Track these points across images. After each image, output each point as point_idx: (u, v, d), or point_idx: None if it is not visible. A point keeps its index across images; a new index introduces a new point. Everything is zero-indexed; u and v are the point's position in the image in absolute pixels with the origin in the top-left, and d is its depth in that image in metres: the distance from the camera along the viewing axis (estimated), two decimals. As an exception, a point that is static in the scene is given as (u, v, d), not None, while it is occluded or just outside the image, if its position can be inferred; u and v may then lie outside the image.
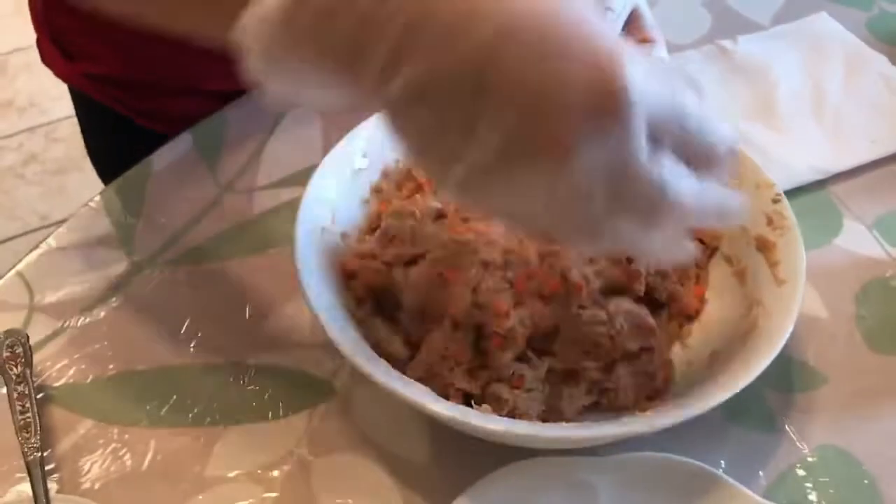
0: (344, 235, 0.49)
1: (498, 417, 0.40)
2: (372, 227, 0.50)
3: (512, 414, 0.43)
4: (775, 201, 0.49)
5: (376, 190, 0.51)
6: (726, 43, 0.67)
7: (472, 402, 0.43)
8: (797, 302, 0.43)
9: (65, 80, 0.71)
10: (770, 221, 0.48)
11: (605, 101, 0.30)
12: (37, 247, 0.55)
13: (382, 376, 0.40)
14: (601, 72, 0.30)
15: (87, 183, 1.64)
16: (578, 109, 0.30)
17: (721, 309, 0.48)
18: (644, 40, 0.54)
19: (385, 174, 0.52)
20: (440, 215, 0.47)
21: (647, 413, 0.42)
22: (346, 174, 0.50)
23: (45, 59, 0.71)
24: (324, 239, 0.47)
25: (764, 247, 0.47)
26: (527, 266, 0.45)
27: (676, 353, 0.47)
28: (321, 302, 0.43)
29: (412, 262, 0.46)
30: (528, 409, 0.43)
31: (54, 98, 1.79)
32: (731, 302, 0.48)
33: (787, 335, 0.42)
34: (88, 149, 0.78)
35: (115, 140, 0.74)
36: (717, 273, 0.49)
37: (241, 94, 0.63)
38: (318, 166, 0.49)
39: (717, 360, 0.44)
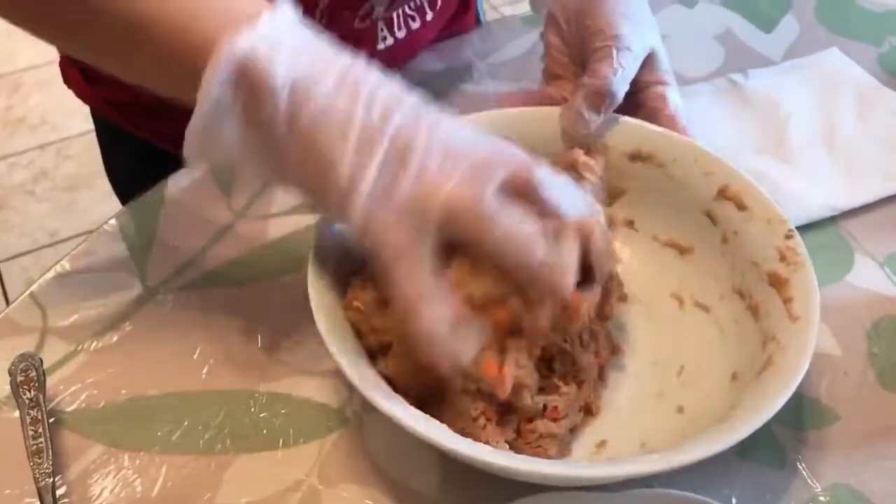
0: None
1: (516, 456, 0.40)
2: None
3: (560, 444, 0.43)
4: (788, 237, 0.49)
5: None
6: (737, 77, 0.67)
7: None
8: (812, 339, 0.43)
9: (86, 102, 0.72)
10: (783, 257, 0.48)
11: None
12: (50, 269, 0.55)
13: (397, 412, 0.40)
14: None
15: (97, 200, 1.67)
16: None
17: (738, 338, 0.48)
18: (657, 83, 0.55)
19: None
20: (382, 302, 0.44)
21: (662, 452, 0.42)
22: None
23: (68, 81, 0.72)
24: (337, 272, 0.47)
25: (777, 282, 0.47)
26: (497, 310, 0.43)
27: (695, 373, 0.47)
28: (334, 336, 0.43)
29: (386, 348, 0.44)
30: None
31: (66, 115, 1.81)
32: (746, 335, 0.48)
33: (803, 373, 0.42)
34: (108, 170, 0.79)
35: (134, 162, 0.74)
36: (731, 307, 0.50)
37: None
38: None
39: (738, 392, 0.45)
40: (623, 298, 0.51)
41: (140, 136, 0.71)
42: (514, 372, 0.42)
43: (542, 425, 0.44)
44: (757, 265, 0.49)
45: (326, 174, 0.40)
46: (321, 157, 0.40)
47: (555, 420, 0.44)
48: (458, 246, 0.41)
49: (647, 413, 0.48)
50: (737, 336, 0.49)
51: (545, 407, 0.44)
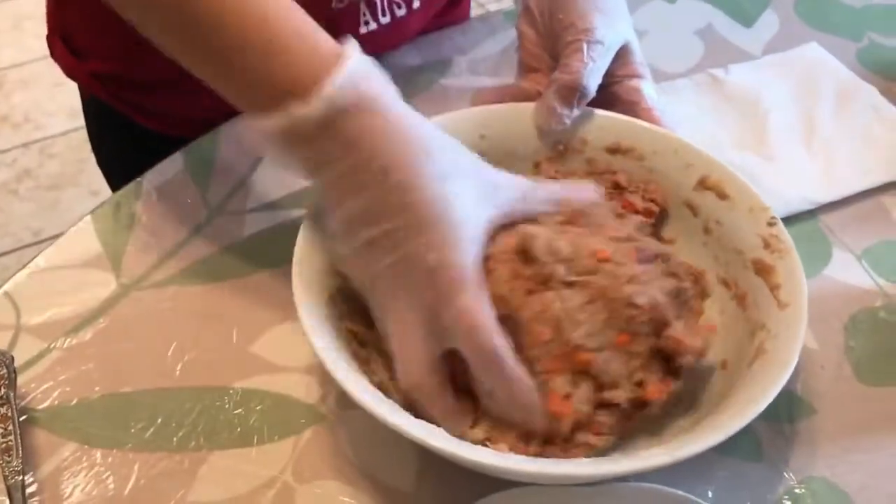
0: None
1: (499, 454, 0.40)
2: None
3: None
4: (770, 224, 0.49)
5: None
6: (717, 72, 0.67)
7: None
8: (802, 326, 0.44)
9: (72, 77, 0.72)
10: (767, 245, 0.48)
11: None
12: (25, 266, 0.55)
13: (377, 407, 0.40)
14: None
15: (81, 199, 1.66)
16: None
17: (725, 328, 0.48)
18: (631, 76, 0.55)
19: None
20: None
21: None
22: None
23: (55, 56, 0.72)
24: (322, 267, 0.47)
25: (763, 270, 0.47)
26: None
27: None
28: (320, 336, 0.42)
29: None
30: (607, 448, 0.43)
31: (49, 114, 1.79)
32: (734, 324, 0.48)
33: (795, 360, 0.42)
34: (94, 149, 0.79)
35: (119, 140, 0.74)
36: (717, 297, 0.49)
37: None
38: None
39: (728, 382, 0.45)
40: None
41: (123, 112, 0.70)
42: (580, 408, 0.42)
43: (587, 437, 0.43)
44: (741, 254, 0.49)
45: None
46: None
47: (599, 434, 0.43)
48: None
49: None
50: (723, 326, 0.49)
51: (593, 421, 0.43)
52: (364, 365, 0.44)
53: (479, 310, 0.41)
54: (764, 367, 0.43)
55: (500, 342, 0.41)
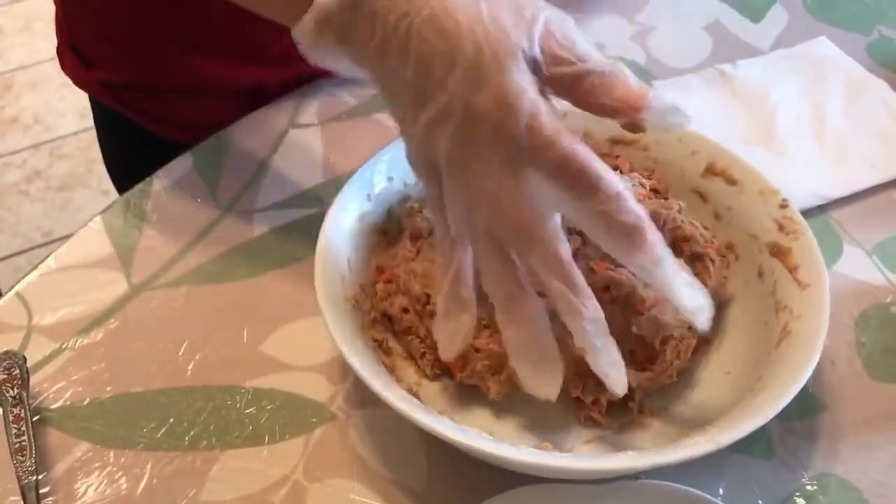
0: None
1: (517, 447, 0.40)
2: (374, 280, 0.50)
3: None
4: (783, 206, 0.49)
5: (383, 232, 0.51)
6: (726, 67, 0.67)
7: None
8: (826, 304, 0.44)
9: (82, 87, 0.73)
10: (781, 227, 0.48)
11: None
12: (36, 267, 0.55)
13: (400, 404, 0.40)
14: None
15: (91, 199, 1.67)
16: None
17: (745, 314, 0.48)
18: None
19: (390, 214, 0.52)
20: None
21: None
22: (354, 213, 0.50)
23: (65, 67, 0.72)
24: (343, 262, 0.47)
25: (779, 252, 0.48)
26: None
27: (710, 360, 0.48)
28: (338, 326, 0.43)
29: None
30: None
31: (59, 115, 1.80)
32: (755, 304, 0.48)
33: (823, 338, 0.43)
34: (104, 156, 0.79)
35: (129, 147, 0.75)
36: (741, 274, 0.50)
37: (246, 93, 0.64)
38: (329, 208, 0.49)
39: (754, 362, 0.45)
40: None
41: (132, 119, 0.71)
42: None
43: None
44: (755, 238, 0.49)
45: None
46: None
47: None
48: None
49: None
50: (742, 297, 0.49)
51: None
52: (391, 372, 0.45)
53: (558, 126, 0.38)
54: (791, 349, 0.43)
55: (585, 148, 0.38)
